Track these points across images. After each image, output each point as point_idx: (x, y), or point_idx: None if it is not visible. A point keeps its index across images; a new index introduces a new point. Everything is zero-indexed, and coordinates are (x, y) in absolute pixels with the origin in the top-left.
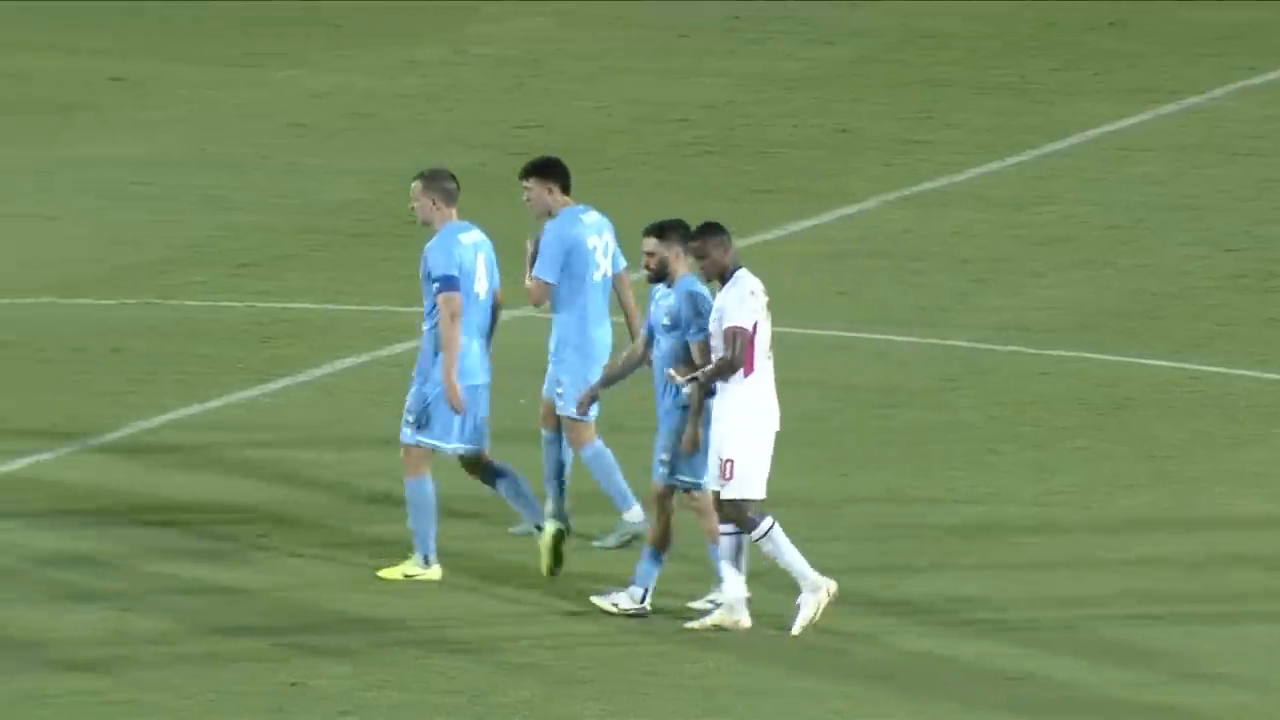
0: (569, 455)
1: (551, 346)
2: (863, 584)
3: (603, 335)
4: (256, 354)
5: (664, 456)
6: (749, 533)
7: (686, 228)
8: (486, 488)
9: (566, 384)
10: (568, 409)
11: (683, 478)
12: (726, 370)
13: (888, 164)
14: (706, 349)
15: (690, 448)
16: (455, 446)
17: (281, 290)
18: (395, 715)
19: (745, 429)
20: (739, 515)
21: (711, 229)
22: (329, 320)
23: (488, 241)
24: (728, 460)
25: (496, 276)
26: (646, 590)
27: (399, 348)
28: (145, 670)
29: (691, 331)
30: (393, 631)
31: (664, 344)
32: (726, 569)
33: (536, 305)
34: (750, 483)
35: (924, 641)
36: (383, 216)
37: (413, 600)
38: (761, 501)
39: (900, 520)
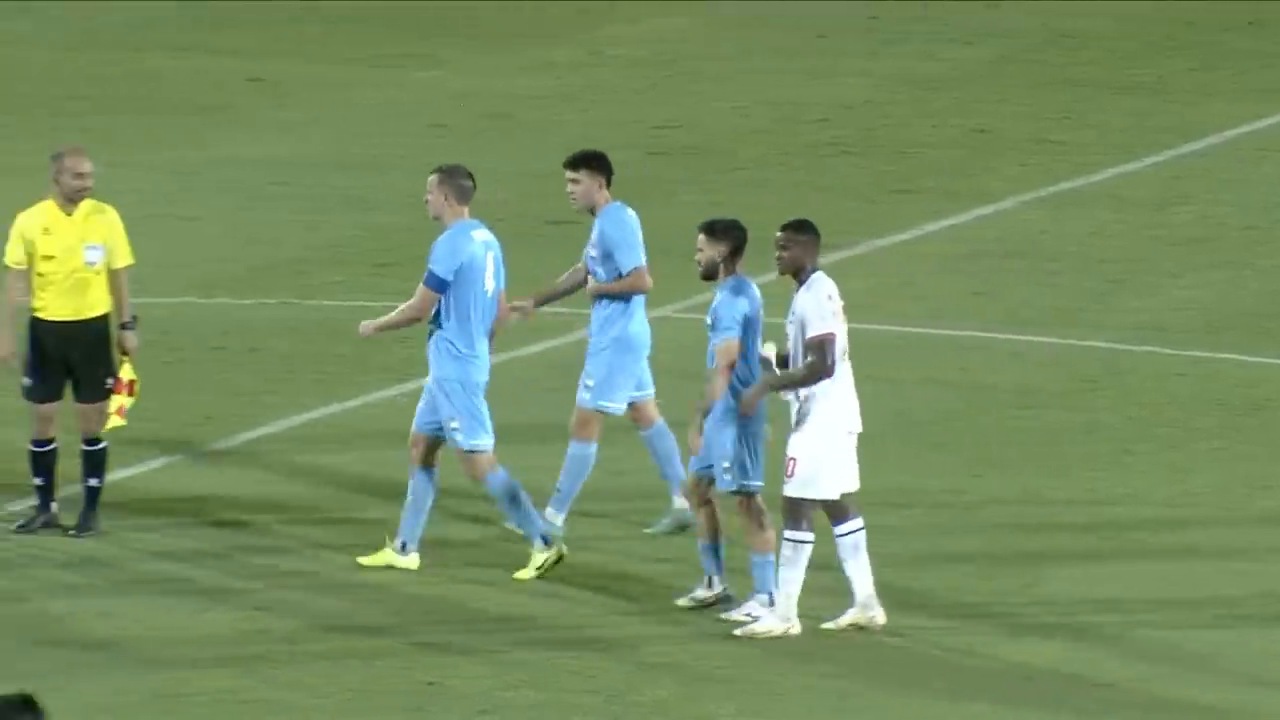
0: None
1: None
2: (1000, 585)
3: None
4: (393, 354)
5: (725, 464)
6: (788, 529)
7: (739, 228)
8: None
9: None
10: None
11: (748, 483)
12: (817, 377)
13: (1025, 164)
14: (730, 350)
15: (696, 444)
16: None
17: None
18: (533, 714)
19: (815, 431)
20: (794, 512)
21: (804, 226)
22: None
23: (496, 242)
24: (791, 458)
25: (503, 277)
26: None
27: (536, 348)
28: (281, 669)
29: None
30: (527, 630)
31: (710, 344)
32: (854, 569)
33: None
34: (812, 484)
35: (1055, 645)
36: (519, 217)
37: (545, 599)
38: (834, 502)
39: (1037, 521)
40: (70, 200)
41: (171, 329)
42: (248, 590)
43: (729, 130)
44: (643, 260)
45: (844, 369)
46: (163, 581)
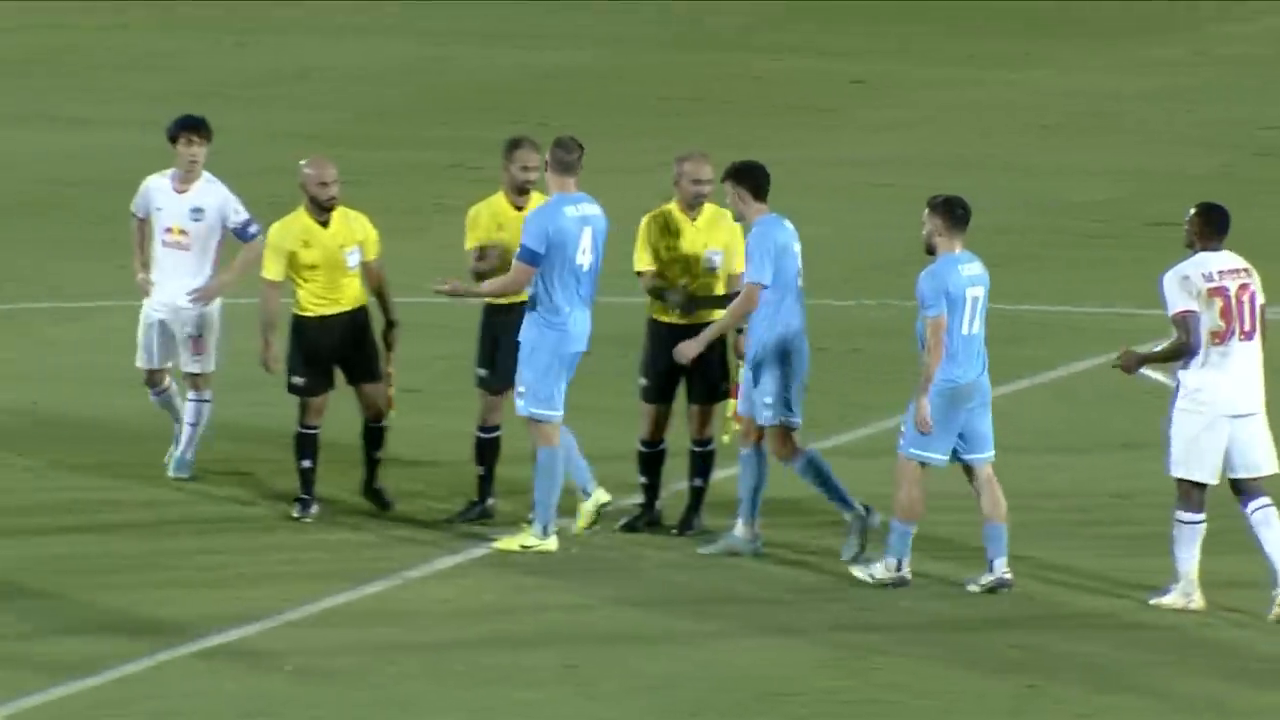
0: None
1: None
2: None
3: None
4: (998, 354)
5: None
6: (1176, 507)
7: (959, 204)
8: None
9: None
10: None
11: (915, 450)
12: (1178, 354)
13: None
14: (937, 327)
15: (923, 427)
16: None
17: (1018, 291)
18: None
19: (1180, 412)
20: (1178, 491)
21: (1200, 208)
22: (1068, 322)
23: (601, 217)
24: (1168, 438)
25: (600, 251)
26: (901, 560)
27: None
28: (883, 672)
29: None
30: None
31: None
32: (1181, 551)
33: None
34: (1182, 465)
35: None
36: (1124, 217)
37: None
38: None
39: None
40: (690, 206)
41: None
42: (851, 590)
43: None
44: (761, 277)
45: (1223, 350)
46: (775, 581)
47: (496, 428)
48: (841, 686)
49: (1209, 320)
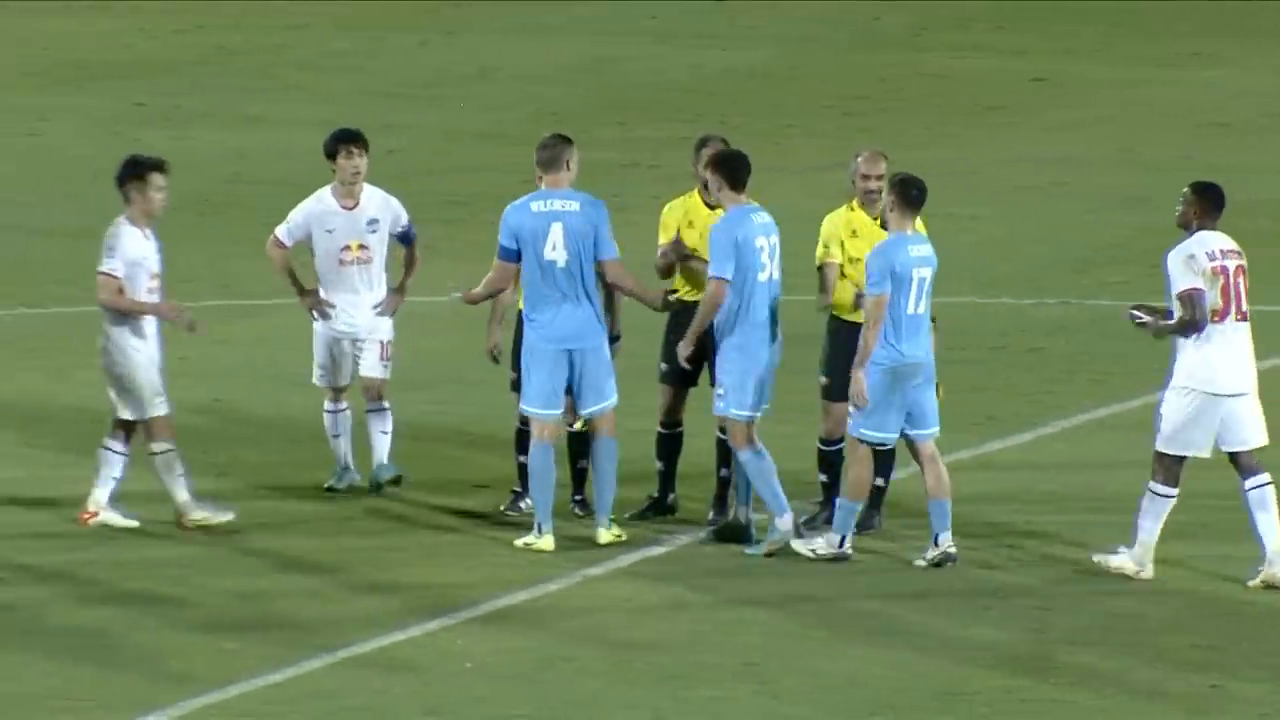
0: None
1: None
2: None
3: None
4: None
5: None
6: (1152, 479)
7: (914, 185)
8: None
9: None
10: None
11: (866, 431)
12: (1184, 330)
13: None
14: (879, 304)
15: (860, 400)
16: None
17: None
18: None
19: (1172, 388)
20: (1157, 465)
21: (1196, 187)
22: None
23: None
24: (1158, 413)
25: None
26: (845, 536)
27: None
28: (1062, 670)
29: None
30: None
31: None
32: (1263, 524)
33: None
34: (1171, 441)
35: None
36: None
37: None
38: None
39: None
40: (865, 204)
41: (953, 328)
42: (1029, 587)
43: None
44: (722, 272)
45: (1221, 329)
46: (942, 578)
47: (678, 423)
48: (1020, 685)
49: (1210, 299)
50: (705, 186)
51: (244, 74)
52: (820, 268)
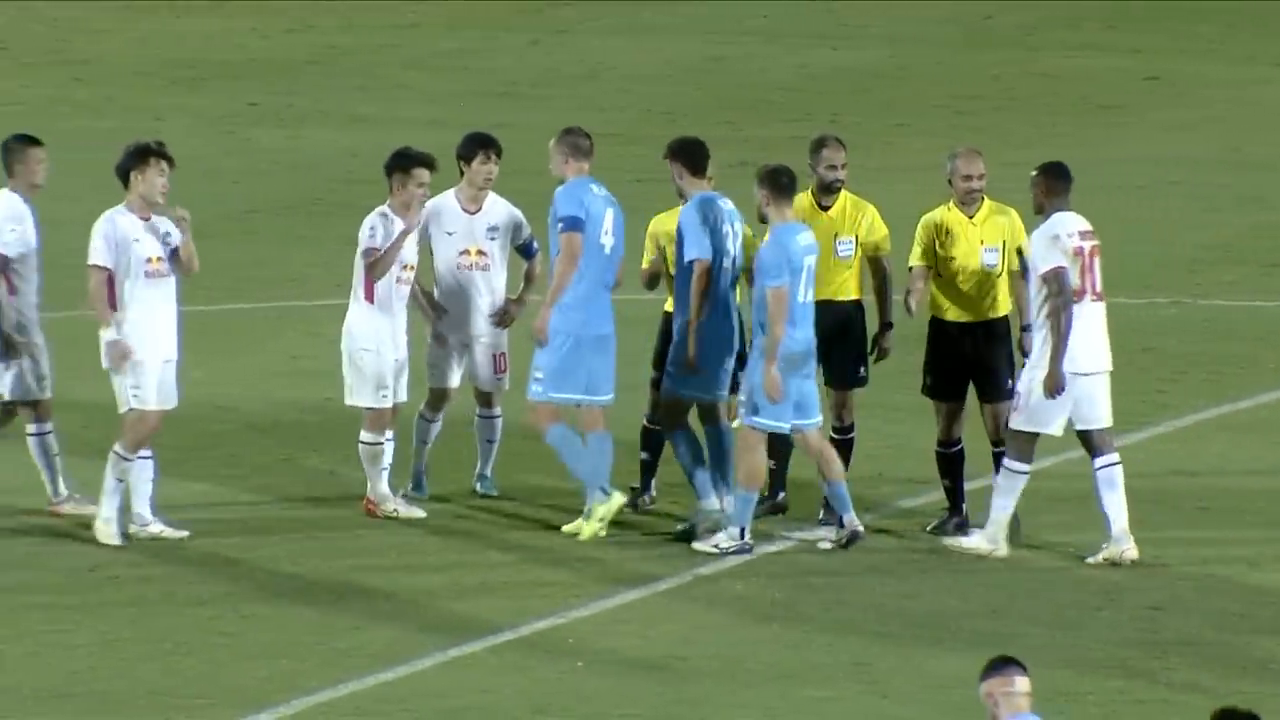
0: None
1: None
2: None
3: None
4: None
5: (742, 399)
6: (1008, 457)
7: (783, 173)
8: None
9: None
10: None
11: (762, 420)
12: (1060, 313)
13: None
14: (781, 297)
15: (774, 393)
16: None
17: None
18: None
19: (1035, 374)
20: (1014, 443)
21: (1044, 168)
22: None
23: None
24: (1019, 392)
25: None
26: (744, 528)
27: None
28: (1175, 671)
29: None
30: None
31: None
32: (1109, 503)
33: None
34: (1033, 419)
35: None
36: None
37: None
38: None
39: None
40: (964, 203)
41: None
42: (1141, 588)
43: None
44: (701, 253)
45: (1077, 309)
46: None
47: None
48: (1132, 686)
49: (1071, 279)
50: (821, 188)
51: (355, 73)
52: (911, 269)
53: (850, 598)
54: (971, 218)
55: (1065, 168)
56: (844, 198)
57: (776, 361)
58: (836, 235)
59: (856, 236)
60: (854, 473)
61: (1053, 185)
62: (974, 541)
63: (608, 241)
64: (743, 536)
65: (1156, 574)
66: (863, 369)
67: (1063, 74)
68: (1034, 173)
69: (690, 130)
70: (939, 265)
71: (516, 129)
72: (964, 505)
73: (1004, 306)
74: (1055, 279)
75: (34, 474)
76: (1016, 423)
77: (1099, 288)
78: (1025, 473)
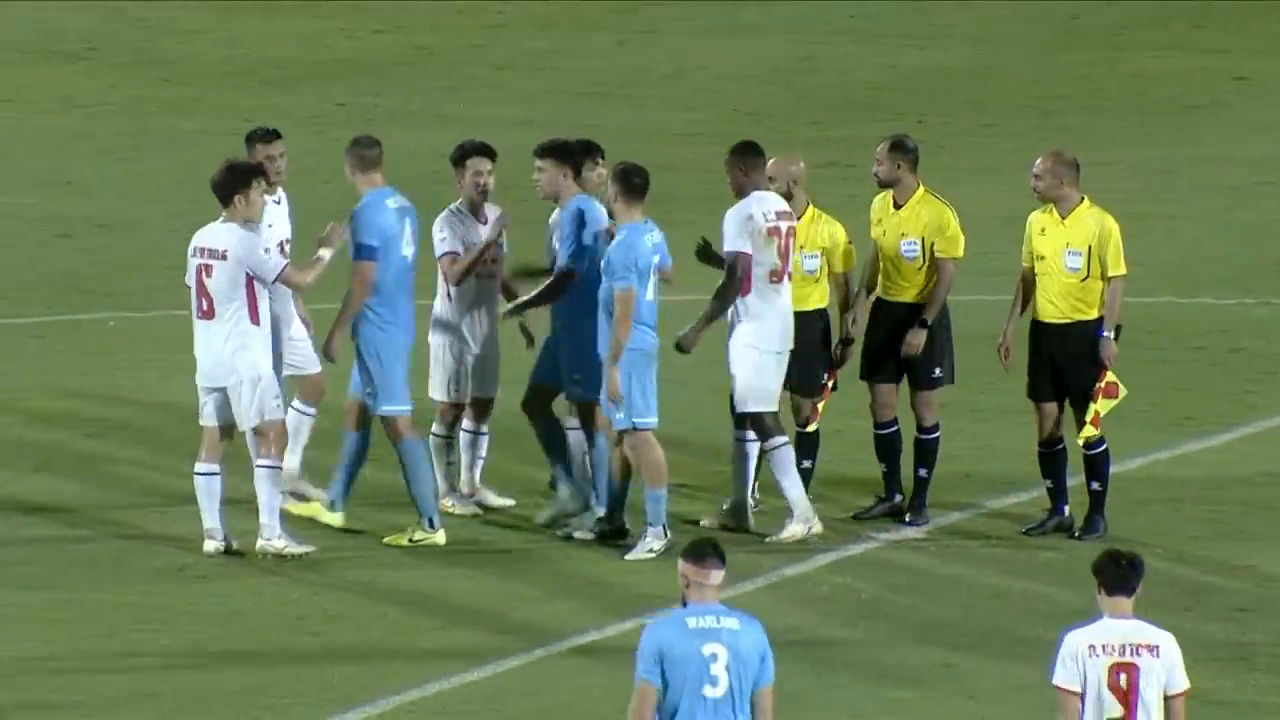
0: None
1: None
2: None
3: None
4: None
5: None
6: (762, 441)
7: (635, 173)
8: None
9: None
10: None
11: (639, 419)
12: (731, 298)
13: None
14: (628, 299)
15: (615, 395)
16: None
17: None
18: None
19: (745, 353)
20: (757, 425)
21: (735, 148)
22: None
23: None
24: (733, 375)
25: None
26: (665, 526)
27: None
28: (1262, 673)
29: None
30: None
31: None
32: (784, 479)
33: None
34: (757, 400)
35: None
36: None
37: None
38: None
39: None
40: (1044, 202)
41: (1152, 328)
42: (1228, 588)
43: None
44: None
45: (777, 289)
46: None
47: (891, 423)
48: (1220, 687)
49: (769, 259)
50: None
51: (442, 74)
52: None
53: (935, 598)
54: (1064, 219)
55: (758, 145)
56: (918, 197)
57: (625, 359)
58: (903, 235)
59: (922, 239)
60: (941, 472)
61: (747, 163)
62: (790, 530)
63: (409, 252)
64: (666, 534)
65: (1244, 575)
66: (937, 369)
67: (1151, 74)
68: (728, 155)
69: (775, 129)
70: (1035, 265)
71: (603, 129)
72: (1065, 506)
73: (1092, 310)
74: (735, 265)
75: (115, 474)
76: (747, 406)
77: (791, 268)
78: (784, 443)
